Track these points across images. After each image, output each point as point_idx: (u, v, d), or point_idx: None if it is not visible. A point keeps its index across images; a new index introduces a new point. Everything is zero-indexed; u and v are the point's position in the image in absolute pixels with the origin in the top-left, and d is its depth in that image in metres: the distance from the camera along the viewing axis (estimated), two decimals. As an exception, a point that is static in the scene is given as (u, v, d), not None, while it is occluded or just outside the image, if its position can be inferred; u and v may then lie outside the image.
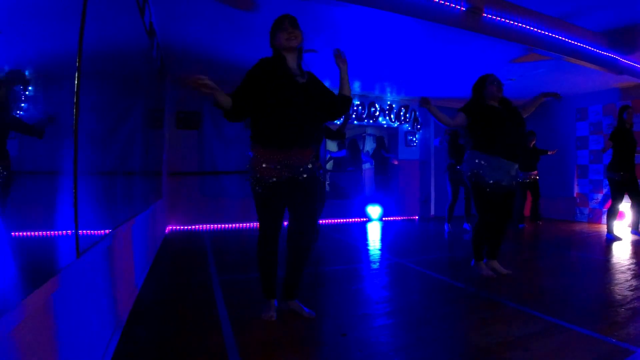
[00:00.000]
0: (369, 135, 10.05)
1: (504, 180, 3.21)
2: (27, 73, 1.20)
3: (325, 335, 2.27)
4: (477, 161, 3.25)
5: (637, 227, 5.45)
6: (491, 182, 3.19)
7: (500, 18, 4.03)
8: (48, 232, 1.33)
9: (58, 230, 1.35)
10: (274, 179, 2.31)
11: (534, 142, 6.70)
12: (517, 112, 3.36)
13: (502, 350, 2.02)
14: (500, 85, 3.30)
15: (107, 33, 2.03)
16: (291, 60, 2.40)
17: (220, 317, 2.46)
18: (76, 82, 1.41)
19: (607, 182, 7.07)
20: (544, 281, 3.34)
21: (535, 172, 6.74)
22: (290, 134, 2.31)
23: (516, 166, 3.28)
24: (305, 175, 2.37)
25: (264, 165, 2.31)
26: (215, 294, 2.95)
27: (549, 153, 6.84)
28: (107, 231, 1.92)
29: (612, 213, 5.40)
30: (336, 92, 2.51)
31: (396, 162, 8.33)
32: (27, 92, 1.19)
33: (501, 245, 3.48)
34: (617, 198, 5.35)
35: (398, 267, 3.90)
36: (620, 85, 6.79)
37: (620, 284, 3.23)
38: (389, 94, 7.83)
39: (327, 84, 2.58)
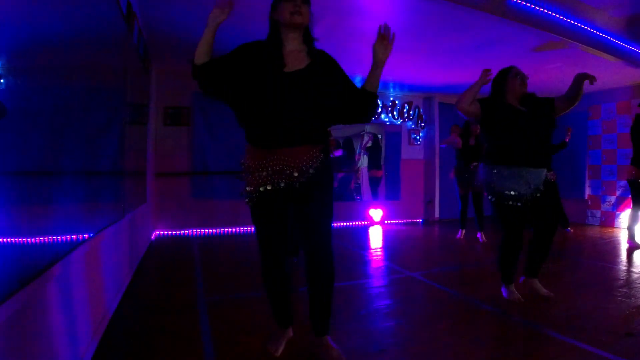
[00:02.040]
0: (368, 133, 9.63)
1: (521, 190, 2.75)
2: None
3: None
4: (488, 171, 2.85)
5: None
6: (504, 192, 2.76)
7: (525, 2, 3.61)
8: None
9: None
10: (267, 187, 1.84)
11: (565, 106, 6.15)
12: (544, 107, 2.88)
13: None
14: (525, 79, 2.87)
15: (62, 17, 1.59)
16: (292, 40, 1.89)
17: (206, 355, 2.02)
18: None
19: (621, 183, 6.84)
20: (580, 302, 2.92)
21: (551, 172, 6.17)
22: (277, 131, 1.82)
23: (541, 172, 2.81)
24: (303, 180, 1.84)
25: (252, 168, 1.88)
26: (200, 321, 2.50)
27: (567, 139, 6.14)
28: (73, 236, 1.47)
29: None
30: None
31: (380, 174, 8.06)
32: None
33: (543, 262, 2.98)
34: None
35: (410, 283, 3.46)
36: (636, 82, 6.42)
37: None
38: (391, 90, 7.41)
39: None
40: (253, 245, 5.20)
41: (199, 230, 6.15)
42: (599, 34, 4.53)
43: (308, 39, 1.94)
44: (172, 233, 6.01)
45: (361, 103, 1.90)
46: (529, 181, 2.76)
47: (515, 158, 2.76)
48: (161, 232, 5.96)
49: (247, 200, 1.90)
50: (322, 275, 1.96)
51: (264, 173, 1.83)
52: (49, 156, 1.53)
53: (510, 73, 2.87)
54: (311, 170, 1.84)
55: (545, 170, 2.83)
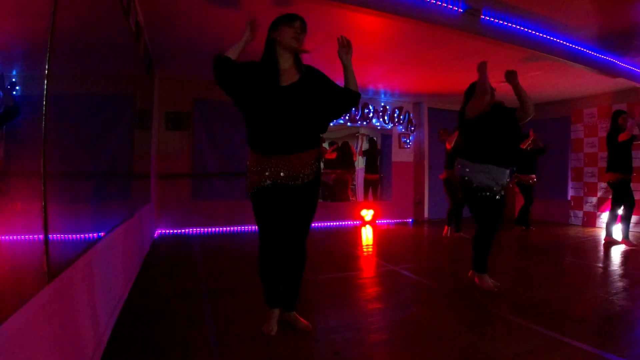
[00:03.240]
0: (363, 134, 9.96)
1: (493, 186, 3.14)
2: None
3: (316, 355, 2.15)
4: (464, 168, 3.23)
5: (627, 236, 5.32)
6: (478, 186, 3.13)
7: (498, 20, 3.94)
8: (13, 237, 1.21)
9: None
10: (266, 183, 2.20)
11: (531, 146, 6.61)
12: (509, 115, 3.28)
13: (503, 371, 1.94)
14: (493, 90, 3.22)
15: (86, 34, 1.91)
16: (286, 59, 2.26)
17: (208, 334, 2.35)
18: (45, 81, 1.30)
19: (602, 185, 7.16)
20: (542, 292, 3.25)
21: (534, 175, 6.61)
22: (272, 140, 2.18)
23: (506, 172, 3.21)
24: (299, 182, 2.22)
25: (254, 169, 2.23)
26: (203, 307, 2.83)
27: (543, 148, 6.60)
28: (90, 234, 1.80)
29: (613, 217, 5.40)
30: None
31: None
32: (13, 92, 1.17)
33: (488, 256, 3.32)
34: (619, 202, 5.29)
35: (392, 275, 3.80)
36: (616, 88, 6.77)
37: (619, 293, 3.20)
38: (383, 96, 7.76)
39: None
40: (250, 243, 5.55)
41: (199, 229, 6.47)
42: (574, 47, 4.86)
43: (298, 59, 2.31)
44: (173, 232, 6.33)
45: (347, 100, 2.30)
46: (496, 178, 3.14)
47: (484, 156, 3.14)
48: (163, 231, 6.28)
49: (250, 193, 2.24)
50: (299, 264, 2.37)
51: (267, 173, 2.19)
52: (71, 159, 1.84)
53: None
54: (307, 176, 2.22)
55: (508, 170, 3.18)
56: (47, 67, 1.31)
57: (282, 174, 2.18)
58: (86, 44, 1.92)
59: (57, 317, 1.40)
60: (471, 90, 3.31)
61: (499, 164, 3.14)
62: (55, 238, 1.46)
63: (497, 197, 3.16)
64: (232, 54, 2.17)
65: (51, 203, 1.44)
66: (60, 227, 1.55)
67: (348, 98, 2.29)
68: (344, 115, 2.42)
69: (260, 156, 2.21)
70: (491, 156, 3.13)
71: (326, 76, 2.34)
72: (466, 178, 3.20)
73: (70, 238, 1.69)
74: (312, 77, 2.28)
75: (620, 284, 3.44)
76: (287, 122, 2.16)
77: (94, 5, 2.03)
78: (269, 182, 2.20)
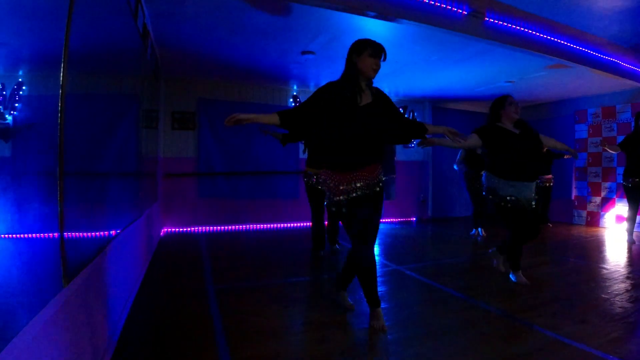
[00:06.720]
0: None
1: (518, 198, 3.26)
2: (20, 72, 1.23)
3: (322, 353, 2.21)
4: (491, 180, 3.36)
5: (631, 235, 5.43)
6: (506, 197, 3.26)
7: (503, 22, 3.97)
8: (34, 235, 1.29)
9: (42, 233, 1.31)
10: (355, 193, 2.42)
11: (547, 147, 6.63)
12: (533, 134, 3.40)
13: (503, 370, 1.99)
14: (518, 107, 3.36)
15: (98, 37, 1.97)
16: (363, 80, 2.45)
17: (216, 330, 2.42)
18: (61, 81, 1.37)
19: (605, 185, 7.18)
20: (545, 292, 3.30)
21: (550, 176, 6.71)
22: (353, 155, 2.39)
23: (531, 185, 3.31)
24: (375, 190, 2.45)
25: (340, 188, 2.43)
26: (210, 304, 2.90)
27: (565, 157, 6.77)
28: (103, 232, 1.86)
29: (628, 218, 5.49)
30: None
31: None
32: (20, 92, 1.20)
33: (520, 258, 3.54)
34: (630, 204, 5.39)
35: (396, 275, 3.85)
36: (619, 88, 6.78)
37: (621, 294, 3.22)
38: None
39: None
40: (254, 241, 5.63)
41: (204, 228, 6.55)
42: (580, 49, 4.86)
43: (370, 81, 2.50)
44: (179, 230, 6.42)
45: (413, 132, 2.60)
46: (521, 192, 3.25)
47: (507, 172, 3.27)
48: (169, 230, 6.36)
49: (340, 207, 2.47)
50: (372, 262, 2.51)
51: (359, 184, 2.41)
52: (82, 159, 1.91)
53: (507, 101, 3.36)
54: (377, 185, 2.46)
55: (534, 183, 3.32)
56: (62, 67, 1.37)
57: (359, 184, 2.41)
58: (95, 45, 1.97)
59: (76, 315, 1.47)
60: (496, 104, 3.40)
61: (524, 180, 3.26)
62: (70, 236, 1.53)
63: (528, 208, 3.29)
64: (274, 122, 2.36)
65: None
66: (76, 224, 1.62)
67: (418, 131, 2.59)
68: (404, 143, 2.80)
69: (338, 173, 2.43)
70: (516, 173, 3.25)
71: (392, 102, 2.55)
72: (494, 188, 3.33)
73: (86, 236, 1.76)
74: (382, 101, 2.49)
75: (622, 285, 3.46)
76: (362, 137, 2.38)
77: (104, 8, 2.09)
78: (357, 192, 2.41)
